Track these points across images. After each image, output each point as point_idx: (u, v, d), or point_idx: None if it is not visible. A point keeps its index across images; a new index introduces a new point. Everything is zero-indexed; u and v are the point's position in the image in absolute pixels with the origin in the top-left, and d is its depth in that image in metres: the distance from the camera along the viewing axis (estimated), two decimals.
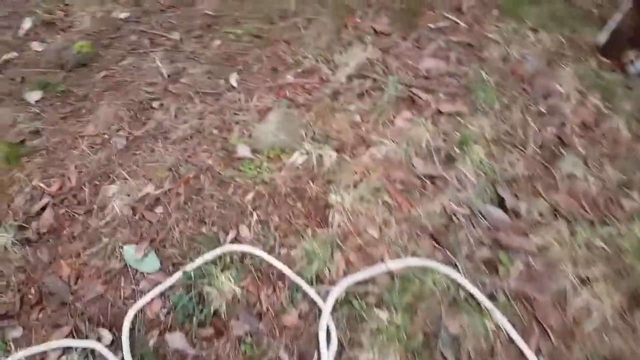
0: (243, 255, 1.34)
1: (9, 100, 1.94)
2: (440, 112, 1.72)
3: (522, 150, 1.53)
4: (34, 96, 1.94)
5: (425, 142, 1.60)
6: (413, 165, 1.55)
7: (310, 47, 2.10)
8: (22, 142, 1.76)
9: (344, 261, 1.29)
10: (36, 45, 2.20)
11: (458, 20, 2.06)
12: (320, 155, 1.61)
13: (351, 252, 1.32)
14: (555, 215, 1.32)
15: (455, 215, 1.37)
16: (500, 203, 1.38)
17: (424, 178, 1.51)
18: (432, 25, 2.07)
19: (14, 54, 2.16)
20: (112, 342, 1.21)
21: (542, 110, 1.65)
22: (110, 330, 1.24)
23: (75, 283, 1.35)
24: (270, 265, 1.31)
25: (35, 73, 2.07)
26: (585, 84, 1.74)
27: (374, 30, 2.10)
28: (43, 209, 1.53)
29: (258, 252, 1.32)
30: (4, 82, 2.02)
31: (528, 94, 1.73)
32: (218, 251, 1.34)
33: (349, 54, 2.04)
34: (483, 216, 1.35)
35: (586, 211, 1.31)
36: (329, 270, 1.28)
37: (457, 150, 1.55)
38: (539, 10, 2.09)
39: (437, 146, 1.59)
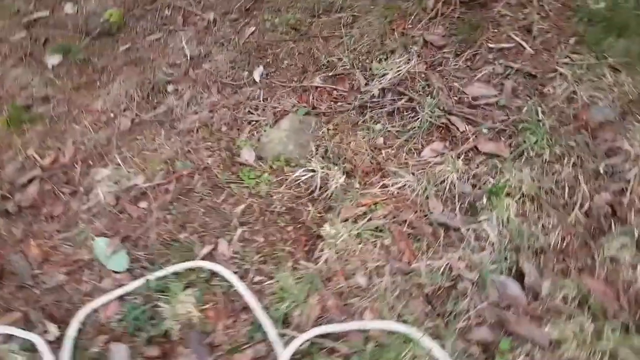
0: (212, 275, 1.31)
1: (29, 60, 2.05)
2: (477, 150, 1.59)
3: (563, 216, 1.38)
4: (52, 60, 2.03)
5: (450, 183, 1.49)
6: (429, 208, 1.44)
7: (349, 49, 2.03)
8: (29, 107, 1.85)
9: (319, 306, 1.22)
10: (68, 7, 2.30)
11: (524, 44, 1.90)
12: (327, 176, 1.55)
13: (331, 298, 1.24)
14: (582, 306, 1.17)
15: (461, 279, 1.25)
16: (519, 276, 1.25)
17: (437, 226, 1.40)
18: (492, 45, 1.92)
19: (45, 13, 2.27)
20: (58, 338, 1.23)
21: (600, 170, 1.47)
22: (59, 325, 1.25)
23: (40, 267, 1.39)
24: (237, 293, 1.26)
25: (60, 36, 2.16)
26: None
27: (424, 40, 1.99)
28: (30, 181, 1.59)
29: (229, 275, 1.29)
30: (27, 41, 2.13)
31: (588, 147, 1.56)
32: (187, 265, 1.31)
33: (389, 63, 1.94)
34: (495, 288, 1.23)
35: (622, 309, 1.14)
36: (301, 313, 1.21)
37: (485, 201, 1.42)
38: (628, 45, 1.87)
39: (462, 191, 1.46)
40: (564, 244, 1.31)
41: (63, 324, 1.26)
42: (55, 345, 1.22)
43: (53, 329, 1.24)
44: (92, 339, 1.23)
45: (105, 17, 2.19)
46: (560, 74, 1.79)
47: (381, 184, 1.53)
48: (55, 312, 1.29)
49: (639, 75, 1.78)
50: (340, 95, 1.88)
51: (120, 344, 1.20)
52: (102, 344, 1.21)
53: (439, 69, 1.89)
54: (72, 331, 1.22)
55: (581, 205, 1.40)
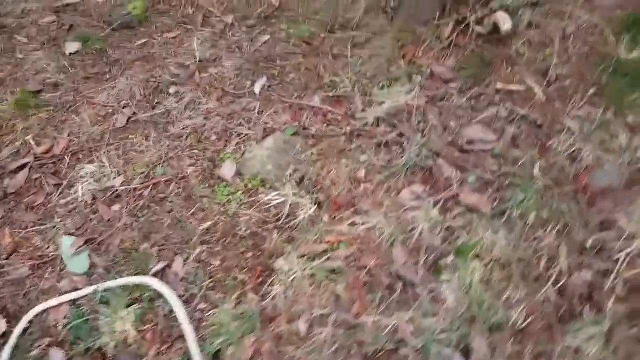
0: (158, 294, 1.23)
1: (49, 45, 2.00)
2: (457, 201, 1.41)
3: (532, 290, 1.19)
4: (71, 48, 1.98)
5: (420, 232, 1.33)
6: (392, 257, 1.29)
7: (354, 71, 1.86)
8: (39, 92, 1.81)
9: (253, 349, 1.12)
10: None
11: (537, 89, 1.67)
12: (298, 205, 1.42)
13: (268, 341, 1.13)
14: None
15: (404, 344, 1.11)
16: (467, 352, 1.09)
17: (396, 279, 1.25)
18: (501, 86, 1.70)
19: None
20: (4, 334, 1.19)
21: (587, 245, 1.27)
22: (9, 321, 1.21)
23: (8, 257, 1.35)
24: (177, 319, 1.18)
25: (84, 24, 2.11)
26: None
27: (431, 71, 1.79)
28: (21, 168, 1.56)
29: (173, 299, 1.20)
30: (54, 26, 2.09)
31: (581, 216, 1.34)
32: (135, 280, 1.24)
33: (390, 91, 1.77)
34: None
35: None
36: (233, 353, 1.11)
37: (450, 259, 1.26)
38: None
39: (431, 244, 1.30)
40: (526, 323, 1.14)
41: (14, 320, 1.22)
42: (1, 341, 1.18)
43: (2, 324, 1.20)
44: (37, 340, 1.18)
45: (128, 9, 2.12)
46: (569, 128, 1.56)
47: (350, 221, 1.39)
48: (10, 306, 1.25)
49: None
50: (335, 118, 1.72)
51: (59, 350, 1.15)
52: (44, 348, 1.17)
53: (439, 104, 1.70)
54: (18, 330, 1.18)
55: (556, 282, 1.21)
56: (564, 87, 1.69)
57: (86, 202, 1.46)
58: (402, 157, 1.53)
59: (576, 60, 1.76)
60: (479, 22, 1.79)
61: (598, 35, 1.85)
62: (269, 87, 1.85)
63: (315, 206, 1.42)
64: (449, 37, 1.86)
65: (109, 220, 1.42)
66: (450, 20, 1.90)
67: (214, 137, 1.67)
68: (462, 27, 1.86)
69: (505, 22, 1.68)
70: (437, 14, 1.91)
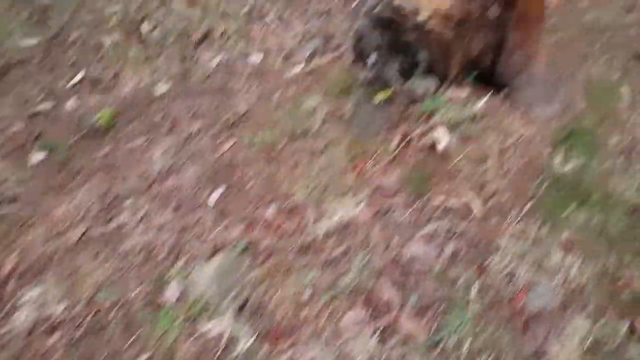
0: None
1: (15, 154, 2.03)
2: (396, 327, 1.39)
3: None
4: (35, 158, 2.01)
5: None
6: None
7: (309, 180, 1.90)
8: None
9: None
10: (70, 103, 2.31)
11: (473, 204, 1.71)
12: (236, 336, 1.38)
13: None
14: None
15: None
16: None
17: None
18: (440, 201, 1.73)
19: (48, 107, 2.29)
20: None
21: None
22: None
23: None
24: None
25: (54, 132, 2.16)
26: (602, 355, 1.28)
27: (377, 185, 1.83)
28: None
29: None
30: (22, 135, 2.14)
31: (514, 343, 1.32)
32: None
33: (341, 203, 1.79)
34: None
35: None
36: None
37: None
38: (589, 218, 1.64)
39: None
40: None
41: None
42: None
43: None
44: None
45: (97, 117, 2.18)
46: (505, 246, 1.58)
47: (291, 353, 1.34)
48: None
49: (591, 258, 1.53)
50: (286, 230, 1.73)
51: None
52: None
53: (384, 218, 1.71)
54: None
55: None
56: (500, 203, 1.72)
57: (24, 332, 1.41)
58: (346, 276, 1.52)
59: (513, 174, 1.81)
60: (420, 138, 1.87)
61: (535, 148, 1.93)
62: (226, 197, 1.87)
63: (255, 336, 1.38)
64: (394, 151, 1.93)
65: (43, 354, 1.36)
66: (397, 134, 1.98)
67: (163, 254, 1.66)
68: (406, 141, 1.94)
69: (441, 142, 1.75)
70: (386, 127, 2.00)
